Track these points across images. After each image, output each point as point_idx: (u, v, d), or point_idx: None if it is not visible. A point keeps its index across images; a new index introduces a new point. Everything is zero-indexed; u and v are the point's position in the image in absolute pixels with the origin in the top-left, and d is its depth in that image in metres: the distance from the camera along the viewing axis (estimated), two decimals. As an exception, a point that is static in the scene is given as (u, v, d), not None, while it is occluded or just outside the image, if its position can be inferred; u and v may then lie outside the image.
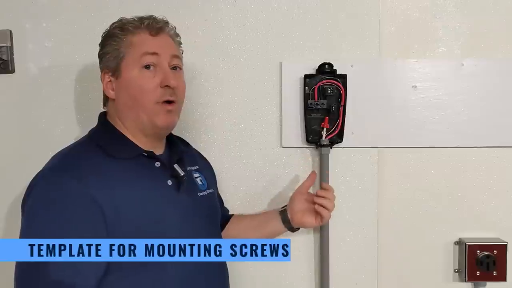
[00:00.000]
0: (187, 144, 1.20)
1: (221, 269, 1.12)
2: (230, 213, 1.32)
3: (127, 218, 0.93)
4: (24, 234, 0.92)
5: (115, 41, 1.02)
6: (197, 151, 1.25)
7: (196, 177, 1.13)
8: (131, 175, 0.98)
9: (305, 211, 1.20)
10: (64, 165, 0.96)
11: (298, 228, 1.25)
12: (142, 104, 1.00)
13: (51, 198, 0.91)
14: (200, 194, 1.10)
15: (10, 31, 1.33)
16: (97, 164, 0.96)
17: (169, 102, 1.01)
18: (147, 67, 1.00)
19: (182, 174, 1.04)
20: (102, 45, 1.05)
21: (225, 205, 1.31)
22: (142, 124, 1.02)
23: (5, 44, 1.33)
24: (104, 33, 1.06)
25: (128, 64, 1.00)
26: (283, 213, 1.23)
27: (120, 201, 0.93)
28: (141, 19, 1.03)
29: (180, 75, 1.07)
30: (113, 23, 1.05)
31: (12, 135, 1.36)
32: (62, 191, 0.91)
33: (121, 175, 0.96)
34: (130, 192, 0.95)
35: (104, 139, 1.01)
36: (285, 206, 1.25)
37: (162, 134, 1.07)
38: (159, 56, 1.01)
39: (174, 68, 1.04)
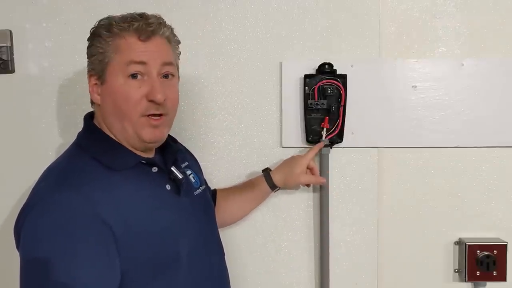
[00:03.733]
0: (175, 140, 1.14)
1: (225, 272, 1.12)
2: (213, 187, 1.30)
3: (136, 232, 0.89)
4: (32, 270, 0.83)
5: (100, 42, 0.95)
6: (181, 144, 1.19)
7: (189, 175, 1.10)
8: (132, 185, 0.93)
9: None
10: (64, 182, 0.88)
11: (279, 188, 1.27)
12: (127, 115, 0.93)
13: (57, 223, 0.83)
14: (196, 192, 1.08)
15: (10, 31, 1.33)
16: (98, 178, 0.89)
17: (155, 115, 0.95)
18: (134, 76, 0.93)
19: (180, 177, 1.00)
20: (89, 44, 0.98)
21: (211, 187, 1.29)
22: (128, 136, 0.95)
23: (5, 44, 1.32)
24: (91, 29, 0.98)
25: (113, 70, 0.93)
26: (268, 178, 1.25)
27: (127, 216, 0.88)
28: (131, 21, 0.93)
29: (172, 84, 0.98)
30: (101, 20, 0.97)
31: (12, 135, 1.36)
32: (69, 213, 0.83)
33: (122, 187, 0.91)
34: (134, 204, 0.91)
35: (97, 149, 0.94)
36: (266, 169, 1.27)
37: (150, 147, 1.00)
38: (147, 65, 0.93)
39: (165, 76, 0.97)
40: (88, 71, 0.98)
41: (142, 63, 0.93)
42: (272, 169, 1.27)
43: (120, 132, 0.96)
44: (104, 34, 0.94)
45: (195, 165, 1.19)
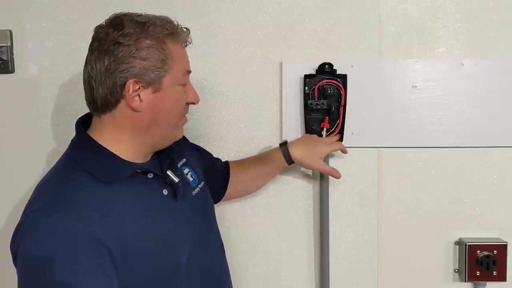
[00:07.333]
0: None
1: (225, 269, 1.12)
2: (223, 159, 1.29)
3: (134, 250, 0.86)
4: None
5: (160, 49, 0.89)
6: None
7: (187, 173, 1.06)
8: (128, 199, 0.89)
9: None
10: (58, 203, 0.84)
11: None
12: (172, 120, 0.95)
13: (54, 249, 0.80)
14: (194, 192, 1.05)
15: (10, 31, 1.33)
16: (93, 195, 0.86)
17: None
18: (184, 85, 0.96)
19: (176, 181, 0.96)
20: (135, 47, 0.87)
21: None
22: (159, 140, 0.95)
23: (5, 44, 1.32)
24: (131, 29, 0.87)
25: (172, 79, 0.91)
26: (286, 154, 1.21)
27: (125, 234, 0.86)
28: (174, 25, 0.92)
29: None
30: (142, 21, 0.89)
31: (12, 135, 1.36)
32: (65, 238, 0.81)
33: (118, 203, 0.88)
34: (131, 221, 0.88)
35: (91, 163, 0.89)
36: (284, 143, 1.23)
37: (164, 146, 1.00)
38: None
39: None
40: (131, 77, 0.88)
41: (190, 72, 0.98)
42: (289, 142, 1.24)
43: (152, 137, 0.94)
44: (162, 39, 0.90)
45: (192, 156, 1.14)
